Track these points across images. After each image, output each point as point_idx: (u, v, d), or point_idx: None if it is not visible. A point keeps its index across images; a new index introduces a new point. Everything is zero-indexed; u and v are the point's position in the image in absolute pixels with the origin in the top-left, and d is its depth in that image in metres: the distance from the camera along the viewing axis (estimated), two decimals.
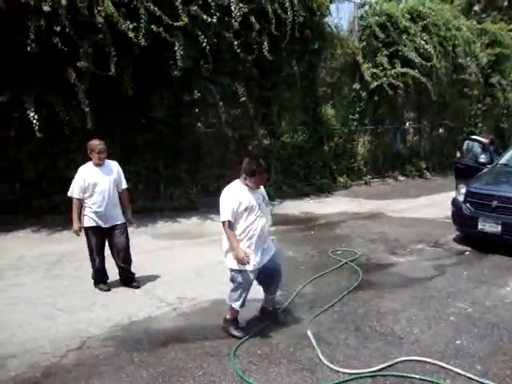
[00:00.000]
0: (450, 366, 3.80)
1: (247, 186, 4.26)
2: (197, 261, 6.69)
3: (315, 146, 12.27)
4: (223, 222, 4.24)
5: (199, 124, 10.95)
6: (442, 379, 3.66)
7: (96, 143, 5.50)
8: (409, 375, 3.67)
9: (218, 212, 9.62)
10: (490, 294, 5.46)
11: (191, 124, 10.54)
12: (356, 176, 13.31)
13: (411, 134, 15.57)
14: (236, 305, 4.40)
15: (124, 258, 5.64)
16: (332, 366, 3.81)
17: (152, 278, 5.97)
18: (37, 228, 8.32)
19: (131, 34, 8.05)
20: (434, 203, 8.28)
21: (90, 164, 5.54)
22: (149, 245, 7.58)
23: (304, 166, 12.00)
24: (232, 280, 4.41)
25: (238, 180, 4.36)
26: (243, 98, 9.98)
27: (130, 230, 8.33)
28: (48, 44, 7.75)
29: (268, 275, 4.52)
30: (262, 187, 4.46)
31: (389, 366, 3.83)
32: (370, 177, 13.60)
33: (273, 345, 4.22)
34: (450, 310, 4.99)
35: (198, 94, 9.86)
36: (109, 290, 5.43)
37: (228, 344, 4.22)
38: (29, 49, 7.57)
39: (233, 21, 9.34)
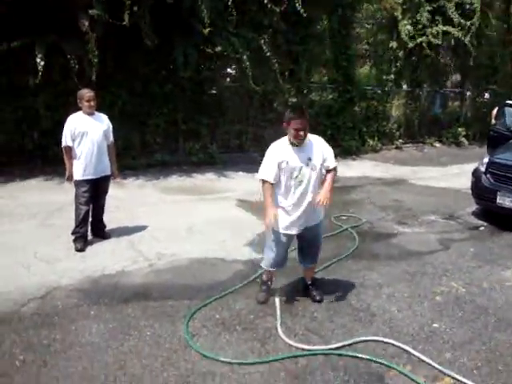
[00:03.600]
0: (413, 351, 3.51)
1: (290, 142, 3.85)
2: (195, 217, 6.57)
3: (345, 106, 11.65)
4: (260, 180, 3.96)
5: (222, 78, 10.59)
6: (402, 364, 3.38)
7: (85, 91, 5.39)
8: (363, 356, 3.41)
9: (235, 169, 9.68)
10: (491, 275, 5.03)
11: (213, 77, 10.23)
12: (388, 140, 12.63)
13: (452, 99, 14.55)
14: (263, 264, 4.20)
15: (102, 210, 5.66)
16: (286, 338, 3.61)
17: (141, 232, 5.92)
18: (51, 177, 8.40)
19: None
20: (465, 173, 7.70)
21: (80, 113, 5.41)
22: (153, 198, 7.54)
23: (332, 126, 11.46)
24: (266, 238, 4.17)
25: (286, 136, 3.95)
26: (268, 54, 9.52)
27: (138, 182, 8.52)
28: None
29: (304, 244, 4.21)
30: (321, 147, 3.95)
31: (347, 344, 3.57)
32: (402, 141, 12.89)
33: (235, 310, 4.06)
34: (440, 289, 4.62)
35: (220, 48, 9.49)
36: (83, 250, 5.30)
37: (190, 305, 4.10)
38: None
39: None
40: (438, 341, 3.73)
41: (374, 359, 3.38)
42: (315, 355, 3.44)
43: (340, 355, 3.45)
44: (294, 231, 4.02)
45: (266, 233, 4.17)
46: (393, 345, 3.60)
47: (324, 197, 3.81)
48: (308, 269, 4.37)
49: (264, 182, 3.90)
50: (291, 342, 3.56)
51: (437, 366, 3.35)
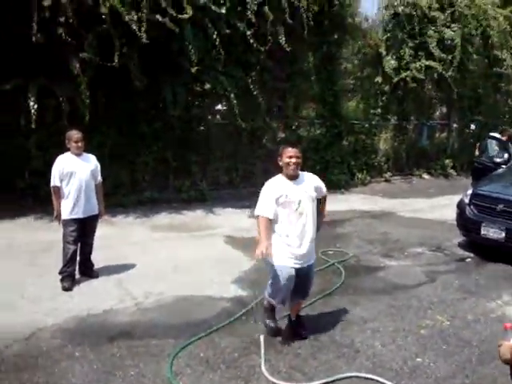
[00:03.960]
0: None
1: (287, 176, 4.01)
2: (183, 255, 6.60)
3: (333, 141, 11.86)
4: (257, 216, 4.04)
5: (210, 116, 10.80)
6: None
7: (73, 132, 5.53)
8: None
9: (224, 205, 9.74)
10: (475, 307, 5.09)
11: (202, 115, 10.43)
12: (376, 173, 12.81)
13: (439, 131, 14.84)
14: (271, 300, 4.18)
15: (90, 249, 5.70)
16: (269, 376, 3.62)
17: (129, 270, 5.93)
18: (40, 216, 8.44)
19: (134, 26, 7.96)
20: (452, 204, 7.79)
21: (68, 153, 5.52)
22: (142, 236, 7.56)
23: (320, 160, 11.62)
24: (270, 275, 4.16)
25: (280, 174, 4.11)
26: (255, 92, 9.76)
27: (128, 220, 8.56)
28: (53, 35, 7.81)
29: (300, 279, 4.14)
30: (312, 179, 4.18)
31: (329, 381, 3.59)
32: (390, 174, 13.07)
33: (219, 348, 4.07)
34: (425, 323, 4.67)
35: (208, 86, 9.74)
36: (70, 289, 5.31)
37: (175, 344, 4.10)
38: (34, 39, 7.65)
39: (248, 12, 9.13)
40: (422, 375, 3.75)
41: None
42: None
43: None
44: (298, 265, 4.05)
45: (270, 274, 4.12)
46: (375, 381, 3.62)
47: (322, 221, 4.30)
48: (296, 305, 4.37)
49: (261, 217, 3.97)
50: (274, 380, 3.57)
51: None
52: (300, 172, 4.09)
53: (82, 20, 7.87)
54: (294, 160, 3.92)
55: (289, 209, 3.97)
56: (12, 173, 8.99)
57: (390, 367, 3.84)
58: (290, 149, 3.97)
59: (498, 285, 5.73)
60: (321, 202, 4.34)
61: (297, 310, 4.41)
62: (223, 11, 8.83)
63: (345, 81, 13.13)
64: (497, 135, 9.95)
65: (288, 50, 9.65)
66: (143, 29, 8.00)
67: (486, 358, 4.01)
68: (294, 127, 11.39)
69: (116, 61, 8.08)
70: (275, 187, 3.99)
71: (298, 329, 4.34)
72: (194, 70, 8.66)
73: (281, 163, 4.02)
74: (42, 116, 8.52)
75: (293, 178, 4.01)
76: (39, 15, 7.57)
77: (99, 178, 5.71)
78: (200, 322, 4.54)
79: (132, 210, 9.09)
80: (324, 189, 4.31)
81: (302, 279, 4.16)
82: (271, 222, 3.99)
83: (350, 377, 3.66)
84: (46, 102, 8.47)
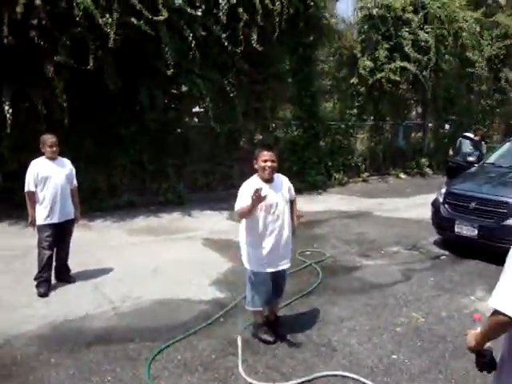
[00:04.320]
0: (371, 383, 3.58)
1: (261, 178, 4.01)
2: (161, 258, 6.57)
3: (310, 142, 11.95)
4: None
5: (187, 118, 10.78)
6: None
7: (48, 136, 5.46)
8: None
9: (202, 207, 9.71)
10: (450, 304, 5.18)
11: (179, 118, 10.41)
12: (354, 173, 12.96)
13: (415, 131, 15.08)
14: (252, 306, 4.17)
15: (66, 254, 5.64)
16: (246, 377, 3.64)
17: (106, 274, 5.89)
18: (15, 221, 8.32)
19: (107, 28, 7.90)
20: (428, 203, 7.92)
21: (42, 158, 5.46)
22: (118, 240, 7.50)
23: (298, 161, 11.70)
24: (248, 280, 4.19)
25: (255, 175, 4.13)
26: (231, 94, 9.79)
27: (105, 224, 8.49)
28: (25, 37, 7.71)
29: (277, 283, 4.21)
30: (285, 181, 4.21)
31: (306, 381, 3.63)
32: (368, 174, 13.23)
33: (197, 350, 4.07)
34: (400, 321, 4.74)
35: (185, 88, 9.73)
36: (46, 295, 5.24)
37: (152, 348, 4.09)
38: (5, 41, 7.54)
39: (220, 14, 9.15)
40: (397, 372, 3.81)
41: None
42: None
43: None
44: (273, 268, 4.08)
45: (247, 277, 4.18)
46: (352, 378, 3.67)
47: (296, 222, 4.30)
48: (273, 305, 4.39)
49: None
50: (251, 381, 3.59)
51: None
52: (275, 174, 4.12)
53: (55, 22, 7.80)
54: (269, 164, 3.94)
55: (265, 211, 3.98)
56: None
57: (366, 365, 3.90)
58: (265, 152, 3.98)
59: (472, 281, 5.85)
60: (293, 205, 4.34)
61: (275, 311, 4.45)
62: (199, 13, 8.83)
63: (321, 82, 13.20)
64: (470, 135, 10.17)
65: (260, 50, 9.65)
66: (112, 31, 7.90)
67: (459, 352, 4.09)
68: (271, 129, 11.43)
69: (91, 64, 8.03)
70: (252, 188, 3.99)
71: (277, 328, 4.36)
72: (169, 72, 8.63)
73: (256, 166, 4.04)
74: (17, 119, 8.41)
75: (268, 181, 4.04)
76: (10, 17, 7.47)
77: (74, 182, 5.67)
78: (178, 325, 4.54)
79: (109, 213, 9.03)
80: (293, 191, 4.32)
81: (277, 281, 4.20)
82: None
83: (327, 375, 3.70)
84: (21, 105, 8.37)
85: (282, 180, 4.21)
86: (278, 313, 4.52)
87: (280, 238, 4.06)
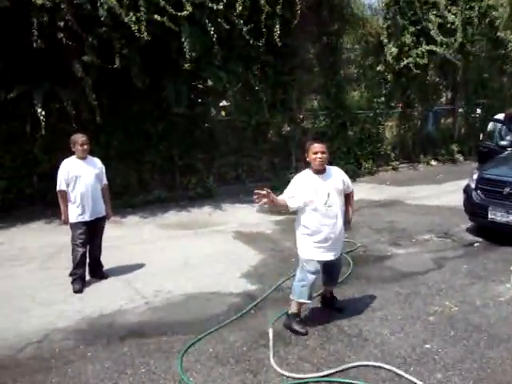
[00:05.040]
0: (404, 374, 3.55)
1: (314, 170, 4.15)
2: (191, 252, 6.64)
3: (338, 131, 11.81)
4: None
5: (214, 112, 10.81)
6: None
7: (79, 135, 5.56)
8: (354, 382, 3.46)
9: (231, 200, 9.76)
10: (484, 292, 5.08)
11: (206, 112, 10.46)
12: (383, 161, 12.74)
13: (445, 116, 14.71)
14: (297, 297, 4.29)
15: (99, 251, 5.76)
16: (277, 368, 3.66)
17: (138, 270, 5.99)
18: (50, 220, 8.54)
19: (134, 26, 7.99)
20: (460, 189, 7.75)
21: (73, 157, 5.58)
22: (150, 235, 7.63)
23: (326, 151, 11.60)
24: (299, 269, 4.33)
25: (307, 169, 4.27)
26: (256, 88, 9.78)
27: (137, 219, 8.63)
28: (54, 39, 7.88)
29: (332, 269, 4.45)
30: (340, 173, 4.34)
31: (339, 371, 3.62)
32: (397, 162, 12.99)
33: (228, 343, 4.12)
34: (433, 309, 4.68)
35: (211, 83, 9.76)
36: (81, 291, 5.37)
37: (184, 341, 4.16)
38: (34, 45, 7.71)
39: (240, 8, 9.12)
40: (430, 362, 3.77)
41: None
42: (306, 383, 3.49)
43: (330, 382, 3.49)
44: (328, 257, 4.22)
45: (300, 265, 4.30)
46: (384, 368, 3.64)
47: (352, 215, 4.54)
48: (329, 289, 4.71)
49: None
50: (283, 372, 3.61)
51: None
52: (327, 166, 4.22)
53: (81, 23, 7.93)
54: (319, 155, 4.06)
55: (317, 203, 4.08)
56: (20, 178, 9.11)
57: (399, 354, 3.87)
58: (316, 144, 4.10)
59: (506, 268, 5.70)
60: (349, 197, 4.46)
61: (330, 291, 4.73)
62: (220, 7, 8.82)
63: (348, 70, 13.02)
64: (500, 117, 9.83)
65: (283, 41, 9.58)
66: (143, 28, 8.03)
67: (495, 341, 4.03)
68: (298, 120, 11.35)
69: (117, 63, 8.15)
70: (304, 181, 4.14)
71: (336, 303, 4.70)
72: (187, 65, 8.60)
73: (308, 159, 4.17)
74: (48, 120, 8.62)
75: (320, 172, 4.14)
76: (38, 20, 7.64)
77: (105, 180, 5.77)
78: (209, 318, 4.59)
79: (140, 209, 9.16)
80: (351, 184, 4.45)
81: (331, 271, 4.42)
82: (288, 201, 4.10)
83: (359, 366, 3.68)
84: (51, 106, 8.57)
85: (336, 171, 4.32)
86: (332, 292, 4.75)
87: (332, 228, 4.17)
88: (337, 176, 4.26)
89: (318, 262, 4.19)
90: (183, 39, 8.57)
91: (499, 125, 9.45)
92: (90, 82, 8.28)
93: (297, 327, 4.26)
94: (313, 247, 4.16)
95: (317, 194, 4.08)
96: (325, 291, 4.71)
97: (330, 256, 4.22)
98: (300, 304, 4.32)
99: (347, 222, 4.49)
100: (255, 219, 8.32)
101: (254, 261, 6.22)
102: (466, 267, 5.79)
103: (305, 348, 4.01)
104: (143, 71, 8.75)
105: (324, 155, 4.07)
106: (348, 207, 4.46)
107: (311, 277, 4.20)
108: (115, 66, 8.16)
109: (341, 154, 11.79)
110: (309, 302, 4.34)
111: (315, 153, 4.05)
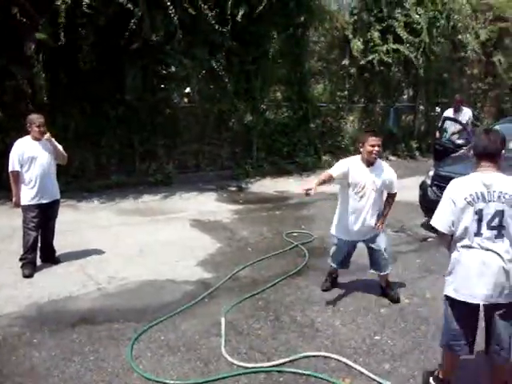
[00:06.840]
0: (353, 364, 3.62)
1: (364, 161, 4.36)
2: (148, 239, 6.55)
3: (300, 123, 11.84)
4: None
5: (177, 98, 10.66)
6: (342, 378, 3.48)
7: (36, 116, 5.38)
8: (304, 372, 3.49)
9: (191, 188, 9.65)
10: (434, 285, 5.18)
11: (168, 98, 10.29)
12: (343, 155, 12.83)
13: (406, 113, 15.01)
14: (331, 263, 4.90)
15: (52, 235, 5.60)
16: (228, 357, 3.66)
17: (92, 255, 5.86)
18: (1, 201, 8.23)
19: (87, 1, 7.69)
20: (417, 185, 7.93)
21: (28, 138, 5.38)
22: (106, 220, 7.46)
23: (288, 143, 11.62)
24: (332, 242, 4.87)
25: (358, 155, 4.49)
26: (220, 74, 9.67)
27: (93, 204, 8.43)
28: (8, 14, 7.54)
29: (370, 253, 4.78)
30: (388, 173, 4.50)
31: (289, 361, 3.65)
32: None
33: (180, 331, 4.09)
34: (385, 302, 4.77)
35: (173, 69, 9.60)
36: (31, 276, 5.22)
37: (136, 328, 4.09)
38: None
39: None
40: (379, 352, 3.85)
41: (315, 374, 3.46)
42: (256, 373, 3.50)
43: (280, 372, 3.52)
44: (348, 238, 4.64)
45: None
46: (334, 359, 3.70)
47: (381, 223, 4.63)
48: (380, 276, 4.84)
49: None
50: (233, 361, 3.61)
51: (375, 377, 3.46)
52: (381, 162, 4.51)
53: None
54: (376, 148, 4.28)
55: (353, 190, 4.39)
56: None
57: (349, 345, 3.93)
58: (374, 137, 4.30)
59: None
60: (389, 198, 4.69)
61: (384, 280, 4.86)
62: None
63: (312, 63, 13.05)
64: (451, 115, 10.04)
65: (247, 30, 9.54)
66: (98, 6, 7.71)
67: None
68: (261, 110, 11.32)
69: (62, 39, 7.76)
70: (350, 163, 4.40)
71: (390, 292, 4.81)
72: (139, 46, 8.42)
73: (362, 149, 4.36)
74: (1, 98, 8.28)
75: (370, 164, 4.36)
76: None
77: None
78: (163, 306, 4.55)
79: (97, 194, 8.96)
80: (395, 186, 4.63)
81: (370, 254, 4.77)
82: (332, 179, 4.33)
83: (309, 356, 3.72)
84: (6, 83, 8.22)
85: (386, 171, 4.50)
86: (387, 280, 4.88)
87: (358, 217, 4.48)
88: (383, 175, 4.45)
89: (340, 239, 4.68)
90: (134, 20, 8.28)
91: (449, 122, 9.66)
92: (40, 60, 7.98)
93: (322, 283, 4.97)
94: (339, 226, 4.63)
95: (354, 180, 4.34)
96: (379, 280, 4.89)
97: (350, 238, 4.62)
98: (331, 268, 4.93)
99: (380, 222, 4.63)
100: (213, 207, 8.28)
101: (210, 249, 6.18)
102: (418, 261, 5.95)
103: (257, 338, 4.02)
104: (97, 52, 8.45)
105: (379, 149, 4.31)
106: (386, 206, 4.68)
107: (333, 247, 4.79)
108: (60, 43, 7.80)
109: (301, 145, 11.84)
110: (333, 265, 4.88)
111: (372, 145, 4.25)
